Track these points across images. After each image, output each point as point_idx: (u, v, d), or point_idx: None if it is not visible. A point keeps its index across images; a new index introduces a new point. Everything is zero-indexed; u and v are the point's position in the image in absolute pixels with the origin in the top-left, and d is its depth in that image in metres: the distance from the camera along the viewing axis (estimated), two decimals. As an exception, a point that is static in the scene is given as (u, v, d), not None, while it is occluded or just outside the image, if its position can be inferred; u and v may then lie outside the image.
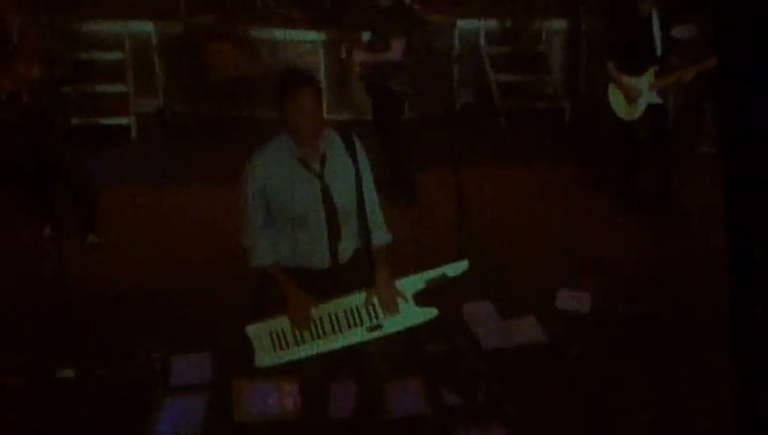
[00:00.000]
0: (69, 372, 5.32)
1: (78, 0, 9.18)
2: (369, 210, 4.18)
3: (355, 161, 4.11)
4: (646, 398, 5.09)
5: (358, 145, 4.16)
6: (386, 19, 7.10)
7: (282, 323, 4.09)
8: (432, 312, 4.25)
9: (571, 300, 6.07)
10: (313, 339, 4.10)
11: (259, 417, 4.99)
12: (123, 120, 9.11)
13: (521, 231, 6.78)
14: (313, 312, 4.09)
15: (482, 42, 9.01)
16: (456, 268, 4.26)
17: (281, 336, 4.09)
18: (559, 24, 8.81)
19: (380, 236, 4.21)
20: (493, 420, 4.94)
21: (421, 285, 4.21)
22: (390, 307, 4.12)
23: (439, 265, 4.27)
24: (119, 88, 9.25)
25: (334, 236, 4.07)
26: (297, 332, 4.09)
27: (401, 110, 7.24)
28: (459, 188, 5.44)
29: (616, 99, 7.00)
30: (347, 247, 4.14)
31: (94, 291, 6.11)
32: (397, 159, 7.25)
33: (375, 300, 4.13)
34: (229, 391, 5.15)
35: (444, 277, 4.24)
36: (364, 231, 4.17)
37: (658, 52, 6.84)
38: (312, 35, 9.11)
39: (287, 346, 4.09)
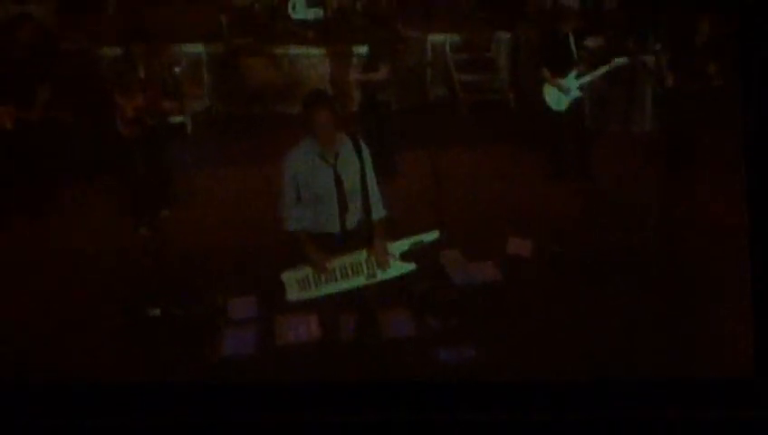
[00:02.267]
0: (156, 312, 5.55)
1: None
2: (370, 192, 4.46)
3: (360, 157, 4.40)
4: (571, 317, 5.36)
5: (363, 145, 4.50)
6: (376, 44, 7.26)
7: (305, 272, 4.39)
8: (411, 266, 4.53)
9: (518, 246, 6.31)
10: (327, 283, 4.40)
11: (294, 341, 5.25)
12: (180, 119, 9.13)
13: (480, 196, 6.97)
14: (328, 264, 4.39)
15: (447, 50, 9.12)
16: (429, 236, 4.56)
17: (304, 281, 4.40)
18: (505, 35, 8.92)
19: (378, 212, 4.49)
20: (464, 341, 5.17)
21: (405, 247, 4.49)
22: (383, 264, 4.42)
23: (418, 226, 4.70)
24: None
25: (343, 209, 4.38)
26: (316, 277, 4.39)
27: (387, 112, 7.32)
28: (435, 165, 5.67)
29: (549, 94, 7.19)
30: (353, 218, 4.44)
31: (172, 251, 6.27)
32: (381, 145, 7.18)
33: (372, 258, 4.42)
34: (272, 323, 5.40)
35: (422, 242, 4.53)
36: (366, 207, 4.45)
37: (575, 57, 7.01)
38: (320, 50, 9.22)
39: (309, 288, 4.40)
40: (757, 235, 4.65)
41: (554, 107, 7.17)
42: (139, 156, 6.55)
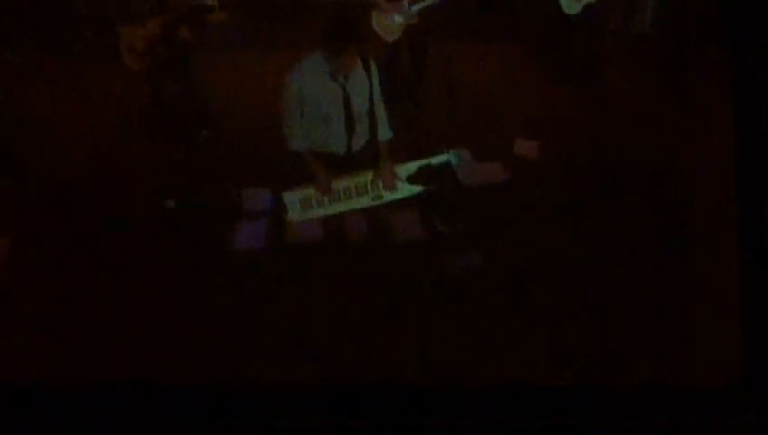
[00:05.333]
0: (170, 204, 5.46)
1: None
2: (377, 114, 4.29)
3: (370, 79, 4.21)
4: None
5: (373, 67, 4.36)
6: None
7: (308, 191, 4.29)
8: (418, 189, 4.44)
9: (525, 148, 6.15)
10: (330, 204, 4.33)
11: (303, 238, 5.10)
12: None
13: (490, 97, 6.71)
14: (333, 184, 4.30)
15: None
16: (438, 159, 4.43)
17: (307, 200, 4.32)
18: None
19: (384, 133, 4.36)
20: (470, 248, 5.07)
21: (413, 170, 4.38)
22: (390, 186, 4.34)
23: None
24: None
25: (351, 130, 4.25)
26: (319, 197, 4.31)
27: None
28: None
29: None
30: (359, 139, 4.32)
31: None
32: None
33: (378, 180, 4.32)
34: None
35: (430, 165, 4.40)
36: (373, 128, 4.30)
37: None
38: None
39: (311, 207, 4.32)
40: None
41: (566, 11, 6.72)
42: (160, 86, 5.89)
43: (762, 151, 4.26)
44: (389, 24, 6.09)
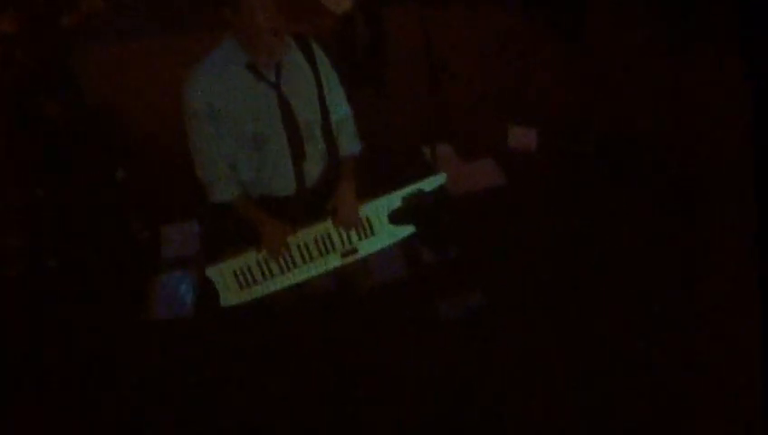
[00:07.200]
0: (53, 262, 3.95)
1: None
2: (337, 120, 2.71)
3: (315, 68, 2.59)
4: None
5: (317, 50, 2.63)
6: None
7: (246, 258, 2.71)
8: (408, 229, 2.88)
9: (521, 137, 4.68)
10: (283, 272, 2.76)
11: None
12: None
13: (476, 73, 5.23)
14: (290, 239, 2.71)
15: None
16: (432, 182, 2.86)
17: (246, 273, 2.72)
18: None
19: (348, 146, 2.77)
20: (468, 284, 3.66)
21: (397, 203, 2.82)
22: (348, 223, 2.75)
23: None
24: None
25: (298, 155, 2.63)
26: (265, 266, 2.72)
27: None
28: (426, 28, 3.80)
29: None
30: (313, 167, 2.71)
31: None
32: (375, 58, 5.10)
33: (340, 220, 2.76)
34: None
35: (421, 193, 2.84)
36: (332, 147, 2.71)
37: None
38: None
39: (254, 282, 2.74)
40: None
41: None
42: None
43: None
44: None
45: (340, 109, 2.74)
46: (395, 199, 2.81)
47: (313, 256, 2.76)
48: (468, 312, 3.54)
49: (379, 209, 2.80)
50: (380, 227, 2.82)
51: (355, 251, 2.80)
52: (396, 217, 2.84)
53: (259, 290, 2.74)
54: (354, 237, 2.79)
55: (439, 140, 4.54)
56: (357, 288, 3.18)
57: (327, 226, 2.75)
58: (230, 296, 2.73)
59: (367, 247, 2.82)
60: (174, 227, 4.24)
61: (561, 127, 4.69)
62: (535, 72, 5.14)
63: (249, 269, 2.71)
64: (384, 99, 4.91)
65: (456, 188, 4.33)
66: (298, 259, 2.74)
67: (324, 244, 2.76)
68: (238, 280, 2.72)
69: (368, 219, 2.80)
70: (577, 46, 5.34)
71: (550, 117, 4.77)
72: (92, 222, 4.06)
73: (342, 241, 2.79)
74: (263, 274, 2.73)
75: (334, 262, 2.79)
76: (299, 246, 2.74)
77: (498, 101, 4.94)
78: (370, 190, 2.81)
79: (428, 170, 3.23)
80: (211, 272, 2.69)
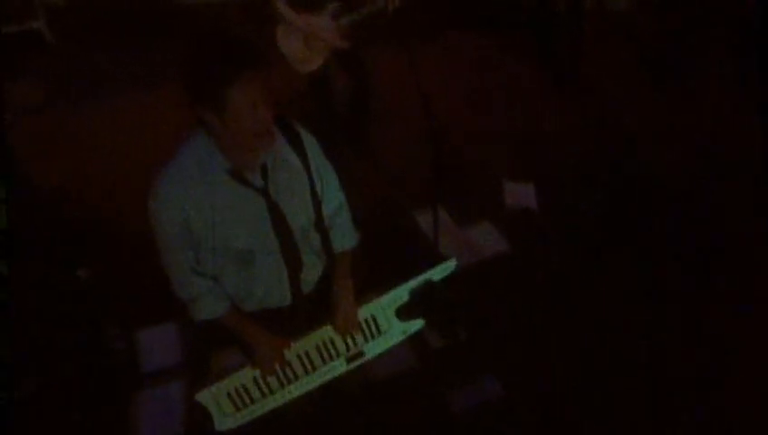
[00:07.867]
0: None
1: None
2: (330, 212, 2.39)
3: (305, 159, 2.25)
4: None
5: (305, 136, 2.27)
6: None
7: (240, 377, 2.37)
8: (418, 324, 2.57)
9: (519, 194, 4.41)
10: (283, 386, 2.42)
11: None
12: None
13: (468, 122, 4.94)
14: (286, 352, 2.39)
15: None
16: (443, 270, 2.55)
17: (242, 393, 2.39)
18: None
19: (344, 240, 2.45)
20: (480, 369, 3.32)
21: (405, 298, 2.51)
22: (347, 327, 2.42)
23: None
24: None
25: (294, 265, 2.29)
26: (262, 382, 2.39)
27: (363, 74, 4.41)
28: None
29: None
30: (311, 273, 2.38)
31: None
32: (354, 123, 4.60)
33: (339, 323, 2.44)
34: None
35: (430, 283, 2.53)
36: (328, 243, 2.39)
37: None
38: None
39: (252, 402, 2.40)
40: None
41: None
42: None
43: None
44: (305, 46, 4.11)
45: (334, 199, 2.39)
46: (402, 293, 2.50)
47: (316, 365, 2.42)
48: (482, 400, 3.23)
49: (384, 307, 2.47)
50: (388, 325, 2.50)
51: (362, 354, 2.48)
52: (404, 313, 2.52)
53: (258, 409, 2.40)
54: (360, 339, 2.48)
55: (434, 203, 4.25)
56: (346, 387, 2.81)
57: (328, 330, 2.43)
58: (226, 420, 2.38)
59: (374, 348, 2.49)
60: (151, 333, 3.77)
61: (561, 179, 4.43)
62: (529, 121, 4.90)
63: (245, 388, 2.37)
64: (367, 159, 4.59)
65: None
66: (299, 370, 2.41)
67: (327, 350, 2.43)
68: (234, 402, 2.38)
69: (373, 318, 2.48)
70: (570, 90, 5.12)
71: (547, 169, 4.51)
72: (58, 336, 3.62)
73: (347, 345, 2.47)
74: (261, 391, 2.39)
75: (340, 368, 2.47)
76: (299, 356, 2.41)
77: (489, 154, 4.66)
78: (372, 281, 2.50)
79: (431, 250, 2.93)
80: (202, 397, 2.34)
